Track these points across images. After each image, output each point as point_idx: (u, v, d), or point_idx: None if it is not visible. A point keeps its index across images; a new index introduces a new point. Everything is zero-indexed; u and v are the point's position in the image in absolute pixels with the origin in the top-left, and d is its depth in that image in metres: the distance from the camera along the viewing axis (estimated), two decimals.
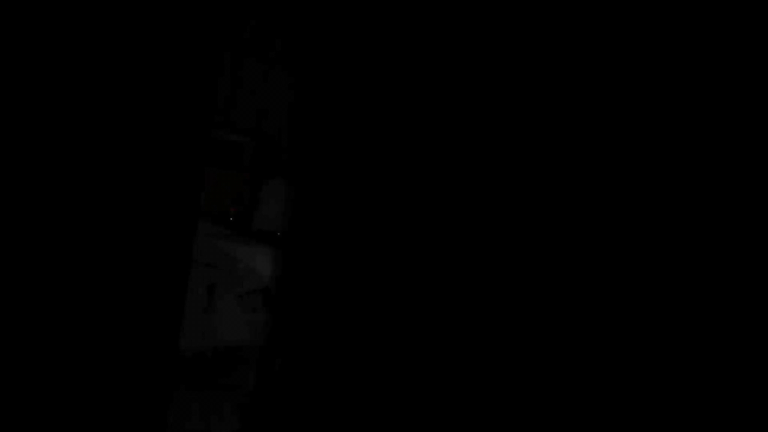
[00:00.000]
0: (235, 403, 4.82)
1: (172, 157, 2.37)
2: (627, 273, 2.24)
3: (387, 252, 2.52)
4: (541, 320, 2.30)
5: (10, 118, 2.27)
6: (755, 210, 2.09)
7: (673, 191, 2.20)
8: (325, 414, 2.71)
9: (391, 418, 2.53)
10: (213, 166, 9.09)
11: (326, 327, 2.68)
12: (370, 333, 2.57)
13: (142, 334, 2.39)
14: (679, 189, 2.23)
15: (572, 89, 2.26)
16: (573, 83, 2.26)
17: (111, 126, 2.32)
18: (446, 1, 2.41)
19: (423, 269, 2.46)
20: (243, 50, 12.95)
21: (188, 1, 2.36)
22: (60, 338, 2.35)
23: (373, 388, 2.58)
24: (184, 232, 2.48)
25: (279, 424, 2.81)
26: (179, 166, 2.39)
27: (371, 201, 2.56)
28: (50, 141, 2.30)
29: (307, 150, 2.73)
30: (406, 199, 2.49)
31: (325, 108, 2.70)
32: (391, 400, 2.56)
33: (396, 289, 2.51)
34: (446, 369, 2.44)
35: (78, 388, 2.37)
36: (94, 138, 2.32)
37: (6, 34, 2.21)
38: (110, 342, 2.37)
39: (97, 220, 2.34)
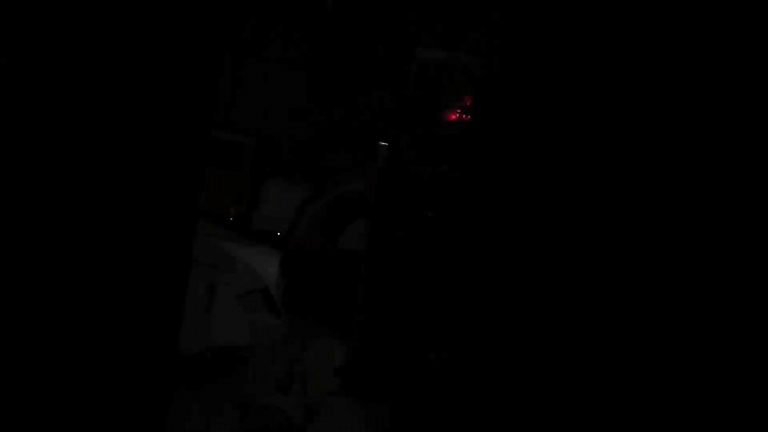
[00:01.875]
0: (235, 403, 4.81)
1: (172, 157, 2.37)
2: None
3: None
4: None
5: (13, 120, 2.27)
6: None
7: None
8: None
9: None
10: (213, 166, 9.07)
11: None
12: None
13: (142, 335, 2.39)
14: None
15: None
16: None
17: (111, 127, 2.32)
18: None
19: None
20: (243, 50, 12.93)
21: (188, 2, 2.36)
22: (60, 338, 2.35)
23: None
24: (184, 232, 2.48)
25: None
26: (179, 166, 2.39)
27: None
28: (51, 141, 2.30)
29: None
30: None
31: None
32: None
33: None
34: None
35: (78, 388, 2.37)
36: (95, 139, 2.32)
37: (11, 37, 2.21)
38: (110, 342, 2.37)
39: (97, 220, 2.34)
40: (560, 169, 2.63)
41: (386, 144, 2.96)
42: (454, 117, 2.98)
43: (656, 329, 2.53)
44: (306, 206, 3.19)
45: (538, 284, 2.69)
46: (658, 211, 2.56)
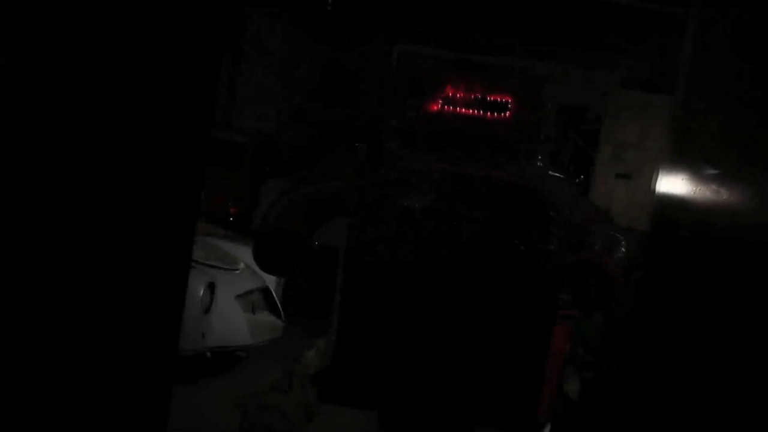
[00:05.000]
0: (235, 403, 4.82)
1: (172, 157, 2.37)
2: None
3: None
4: None
5: (10, 119, 2.27)
6: None
7: None
8: None
9: None
10: (213, 166, 9.08)
11: None
12: None
13: (142, 335, 2.39)
14: None
15: None
16: None
17: (110, 126, 2.32)
18: None
19: None
20: (243, 49, 12.94)
21: (189, 1, 2.36)
22: (60, 339, 2.35)
23: None
24: (184, 232, 2.48)
25: None
26: (179, 166, 2.39)
27: None
28: (49, 141, 2.30)
29: None
30: None
31: None
32: None
33: None
34: None
35: (78, 388, 2.37)
36: (94, 138, 2.32)
37: (11, 37, 2.21)
38: (110, 342, 2.37)
39: (97, 220, 2.34)
40: None
41: (364, 144, 2.96)
42: (435, 108, 2.95)
43: None
44: (275, 202, 3.09)
45: None
46: None
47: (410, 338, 2.77)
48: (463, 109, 2.90)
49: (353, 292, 2.80)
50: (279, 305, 6.10)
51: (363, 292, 2.78)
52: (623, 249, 2.79)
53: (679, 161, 3.12)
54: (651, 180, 8.97)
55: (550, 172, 2.96)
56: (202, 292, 5.20)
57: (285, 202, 2.99)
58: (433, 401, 2.81)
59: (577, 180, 9.94)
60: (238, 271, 5.89)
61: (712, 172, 2.81)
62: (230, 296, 5.59)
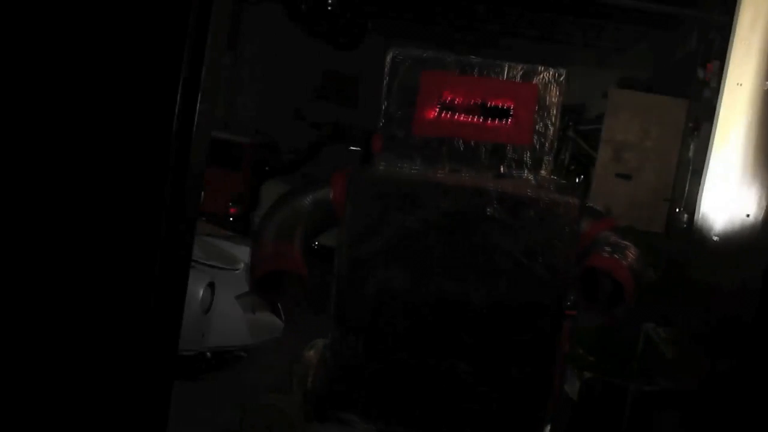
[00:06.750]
0: (235, 403, 4.81)
1: (172, 158, 2.37)
2: None
3: None
4: None
5: (11, 121, 2.27)
6: None
7: None
8: None
9: None
10: (213, 166, 9.07)
11: None
12: None
13: (142, 335, 2.39)
14: None
15: None
16: None
17: (111, 125, 2.32)
18: None
19: None
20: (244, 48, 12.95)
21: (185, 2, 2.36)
22: (60, 339, 2.35)
23: None
24: (184, 232, 2.48)
25: None
26: (178, 166, 2.39)
27: None
28: (49, 140, 2.30)
29: None
30: None
31: None
32: None
33: None
34: None
35: (79, 388, 2.37)
36: (94, 137, 2.32)
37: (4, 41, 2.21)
38: (110, 342, 2.37)
39: (97, 221, 2.34)
40: None
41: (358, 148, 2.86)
42: (432, 115, 2.77)
43: None
44: (266, 221, 2.98)
45: None
46: None
47: (410, 358, 2.66)
48: (462, 116, 2.71)
49: (348, 308, 2.70)
50: (279, 305, 6.10)
51: (359, 308, 2.68)
52: (633, 255, 2.65)
53: None
54: (652, 179, 9.00)
55: (556, 180, 2.80)
56: (202, 292, 5.20)
57: (278, 221, 2.88)
58: (434, 420, 2.72)
59: (577, 180, 9.93)
60: (238, 271, 5.89)
61: None
62: (230, 296, 5.59)
